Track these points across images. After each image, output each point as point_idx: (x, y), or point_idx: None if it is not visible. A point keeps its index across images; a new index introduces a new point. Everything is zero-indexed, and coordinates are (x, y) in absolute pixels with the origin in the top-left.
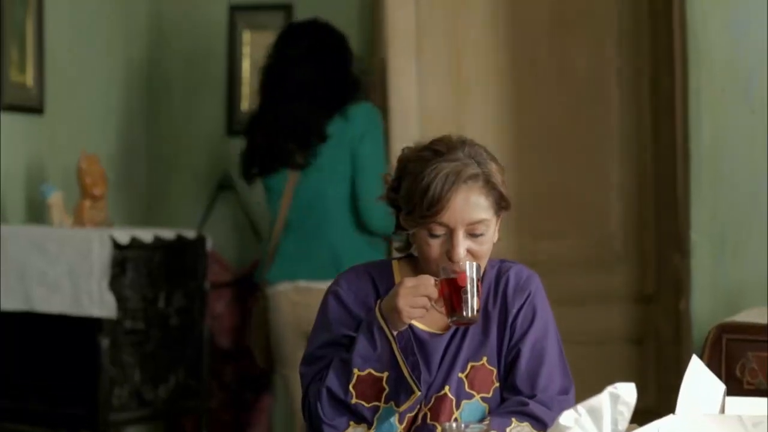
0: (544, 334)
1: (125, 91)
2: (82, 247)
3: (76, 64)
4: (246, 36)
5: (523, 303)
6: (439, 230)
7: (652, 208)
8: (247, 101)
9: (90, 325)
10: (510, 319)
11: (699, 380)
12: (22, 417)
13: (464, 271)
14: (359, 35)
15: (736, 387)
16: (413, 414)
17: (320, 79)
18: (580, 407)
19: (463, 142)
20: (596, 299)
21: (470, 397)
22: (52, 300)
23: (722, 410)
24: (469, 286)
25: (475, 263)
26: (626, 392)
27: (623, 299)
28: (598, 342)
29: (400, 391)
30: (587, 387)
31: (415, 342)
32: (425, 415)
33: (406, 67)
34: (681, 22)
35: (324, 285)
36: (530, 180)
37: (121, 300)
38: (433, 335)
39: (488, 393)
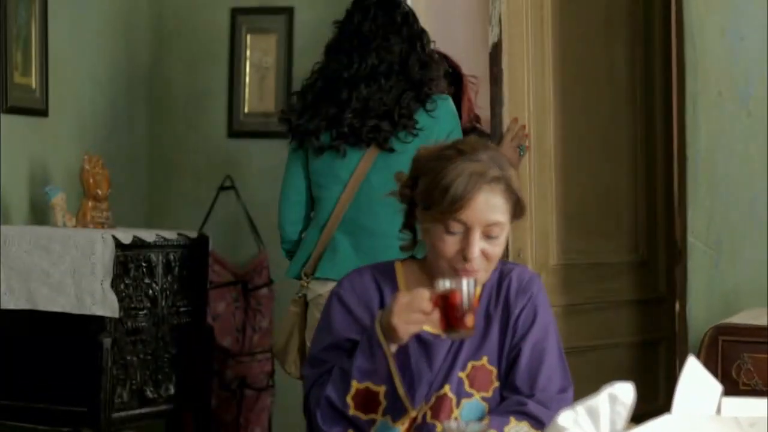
0: (545, 334)
1: (128, 94)
2: (85, 247)
3: (80, 67)
4: (248, 39)
5: (525, 304)
6: (457, 227)
7: (663, 211)
8: (248, 104)
9: (92, 325)
10: (512, 320)
11: (696, 380)
12: (24, 415)
13: (458, 289)
14: None
15: (732, 387)
16: (414, 414)
17: (414, 57)
18: (578, 407)
19: (485, 146)
20: (611, 302)
21: (470, 396)
22: (55, 299)
23: (719, 411)
24: (464, 303)
25: (472, 279)
26: (624, 392)
27: (636, 302)
28: (609, 345)
29: (395, 407)
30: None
31: (418, 344)
32: (425, 413)
33: (521, 53)
34: (678, 28)
35: None
36: (562, 182)
37: (123, 299)
38: (436, 337)
39: (488, 392)
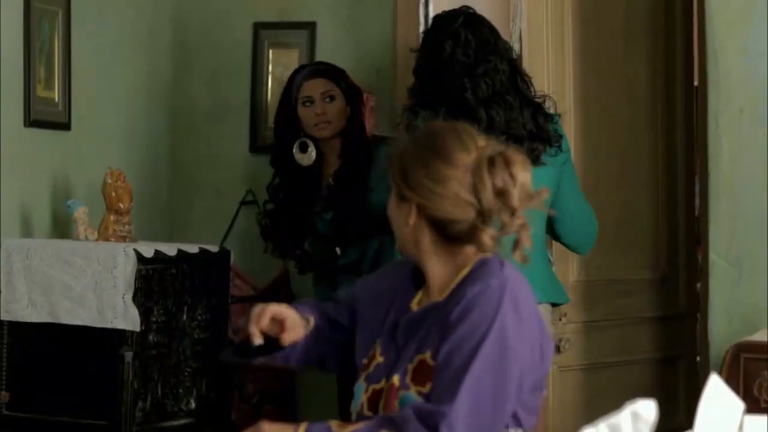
0: (477, 339)
1: (150, 108)
2: (106, 261)
3: (102, 81)
4: (270, 53)
5: (460, 302)
6: None
7: (684, 228)
8: (270, 118)
9: (114, 338)
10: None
11: (718, 398)
12: (45, 429)
13: None
14: (381, 52)
15: (754, 405)
16: (379, 387)
17: (518, 75)
18: (600, 424)
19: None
20: (631, 319)
21: (407, 388)
22: (76, 313)
23: (741, 428)
24: None
25: None
26: (646, 409)
27: (656, 319)
28: (629, 362)
29: None
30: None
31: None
32: (379, 392)
33: (541, 70)
34: (700, 46)
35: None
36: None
37: (144, 313)
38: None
39: (424, 387)
